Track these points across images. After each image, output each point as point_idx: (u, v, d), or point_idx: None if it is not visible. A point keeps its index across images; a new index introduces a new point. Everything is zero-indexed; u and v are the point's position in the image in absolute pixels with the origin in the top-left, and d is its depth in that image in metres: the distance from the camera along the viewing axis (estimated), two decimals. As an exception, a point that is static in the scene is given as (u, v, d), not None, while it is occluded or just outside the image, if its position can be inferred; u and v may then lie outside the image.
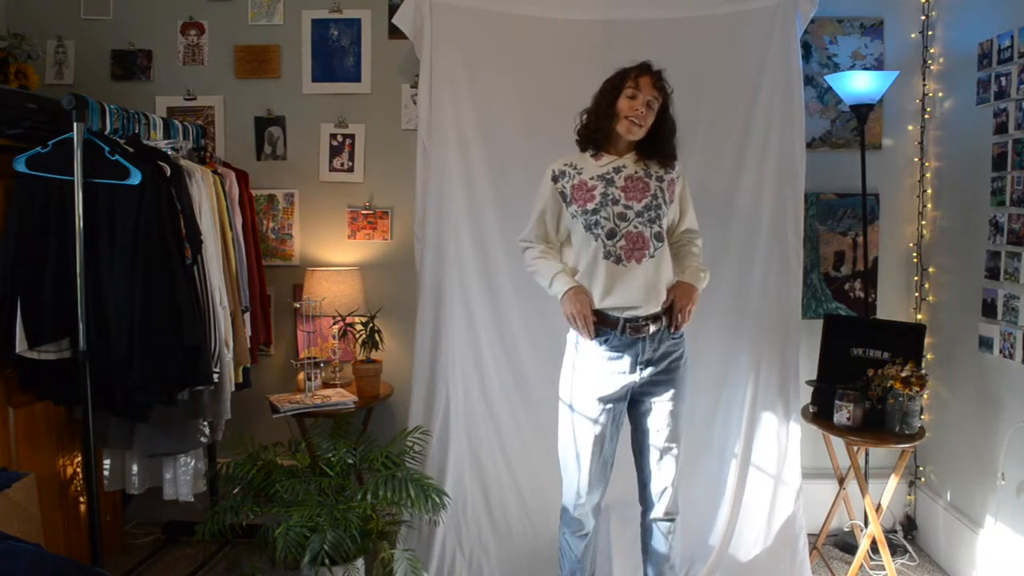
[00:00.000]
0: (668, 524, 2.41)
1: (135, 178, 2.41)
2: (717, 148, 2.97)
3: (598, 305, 2.25)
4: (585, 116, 2.35)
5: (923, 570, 3.03)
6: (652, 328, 2.26)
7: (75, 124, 2.32)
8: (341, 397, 3.00)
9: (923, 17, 3.21)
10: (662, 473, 2.37)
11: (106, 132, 2.51)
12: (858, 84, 2.95)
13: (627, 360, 2.26)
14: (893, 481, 2.73)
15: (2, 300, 2.40)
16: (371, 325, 3.10)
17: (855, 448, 2.78)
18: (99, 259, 2.42)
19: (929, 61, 3.21)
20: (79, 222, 2.33)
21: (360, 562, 2.51)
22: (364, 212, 3.37)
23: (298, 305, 3.20)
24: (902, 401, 2.64)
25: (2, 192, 2.50)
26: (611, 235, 2.24)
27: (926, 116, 3.24)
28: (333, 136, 3.37)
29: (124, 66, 3.39)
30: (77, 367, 2.40)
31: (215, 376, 2.64)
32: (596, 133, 2.31)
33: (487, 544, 2.94)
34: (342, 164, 3.38)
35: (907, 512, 3.32)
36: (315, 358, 3.10)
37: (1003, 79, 2.65)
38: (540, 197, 2.37)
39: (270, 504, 2.52)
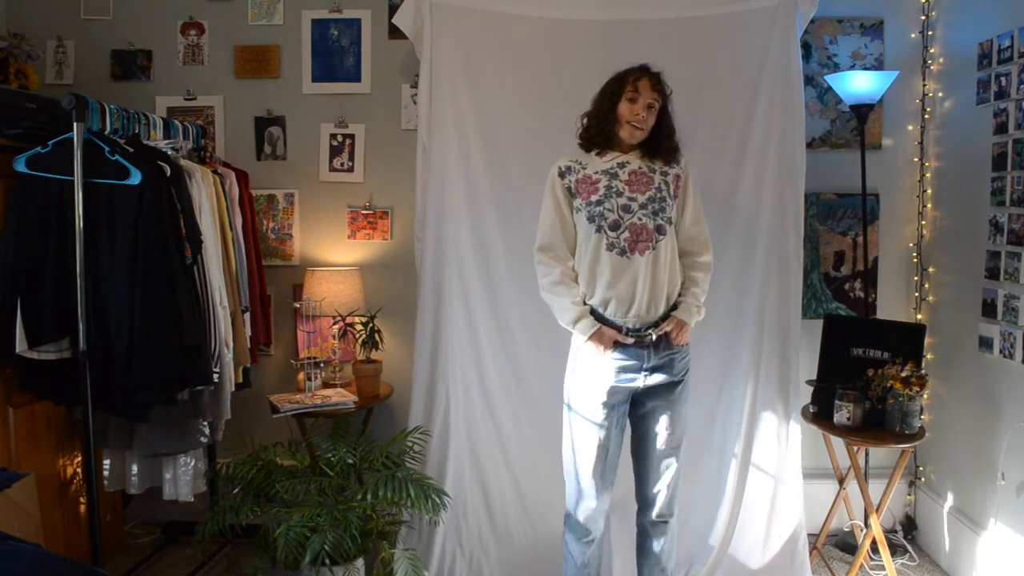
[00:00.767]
0: (662, 526, 2.41)
1: (135, 178, 2.41)
2: (717, 148, 2.97)
3: (597, 300, 2.27)
4: (586, 120, 2.36)
5: (923, 570, 3.03)
6: (655, 336, 2.26)
7: (75, 124, 2.32)
8: (341, 397, 3.00)
9: (923, 17, 3.21)
10: (660, 476, 2.37)
11: (106, 132, 2.51)
12: (858, 84, 2.95)
13: (632, 364, 2.27)
14: (893, 481, 2.73)
15: (2, 300, 2.40)
16: (371, 325, 3.10)
17: (855, 448, 2.78)
18: (99, 259, 2.42)
19: (929, 61, 3.21)
20: (79, 222, 2.32)
21: (360, 562, 2.51)
22: (364, 212, 3.37)
23: (298, 305, 3.20)
24: (902, 401, 2.64)
25: (2, 192, 2.49)
26: (615, 227, 2.24)
27: (926, 116, 3.24)
28: (333, 136, 3.37)
29: (124, 66, 3.39)
30: (77, 367, 2.39)
31: (215, 376, 2.64)
32: (598, 136, 2.32)
33: (487, 544, 2.94)
34: (342, 164, 3.38)
35: (907, 512, 3.32)
36: (315, 358, 3.10)
37: (1003, 79, 2.65)
38: (549, 196, 2.36)
39: (270, 504, 2.52)
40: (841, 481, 3.02)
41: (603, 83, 2.34)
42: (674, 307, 2.31)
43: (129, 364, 2.40)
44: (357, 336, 3.11)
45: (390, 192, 3.36)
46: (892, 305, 3.32)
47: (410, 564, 2.46)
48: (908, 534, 3.27)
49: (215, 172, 2.89)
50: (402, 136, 3.32)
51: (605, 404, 2.28)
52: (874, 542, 2.79)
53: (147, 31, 3.37)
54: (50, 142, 2.43)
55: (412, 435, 2.75)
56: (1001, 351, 2.67)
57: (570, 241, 2.34)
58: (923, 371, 2.74)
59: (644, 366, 2.27)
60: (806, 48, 3.23)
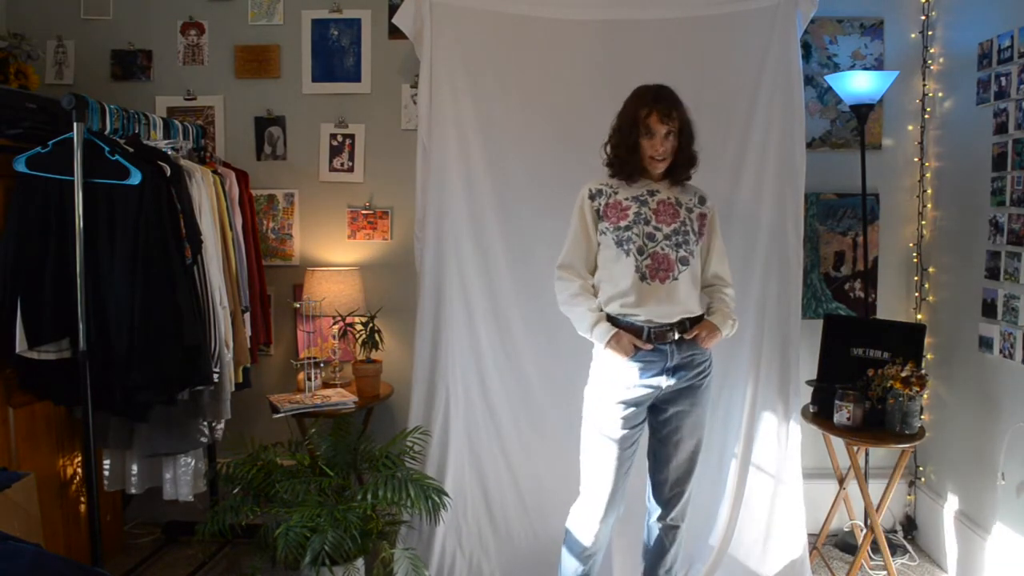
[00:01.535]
0: (674, 531, 2.43)
1: (135, 178, 2.41)
2: (717, 148, 2.95)
3: (615, 307, 2.28)
4: (610, 149, 2.35)
5: (923, 570, 3.03)
6: (676, 335, 2.27)
7: (75, 124, 2.32)
8: (341, 397, 3.00)
9: (923, 17, 3.21)
10: (676, 481, 2.38)
11: (106, 132, 2.51)
12: (858, 84, 2.95)
13: (655, 366, 2.26)
14: (893, 481, 2.73)
15: (2, 300, 2.40)
16: (371, 325, 3.10)
17: (855, 448, 2.78)
18: (99, 259, 2.42)
19: (929, 61, 3.21)
20: (79, 222, 2.32)
21: (360, 562, 2.51)
22: (364, 212, 3.37)
23: (298, 305, 3.20)
24: (902, 401, 2.64)
25: (2, 192, 2.49)
26: (639, 252, 2.26)
27: (926, 116, 3.24)
28: (333, 136, 3.37)
29: (124, 66, 3.39)
30: (77, 367, 2.39)
31: (215, 376, 2.64)
32: (627, 166, 2.31)
33: (487, 544, 2.94)
34: (342, 164, 3.38)
35: (907, 512, 3.32)
36: (315, 358, 3.10)
37: (1003, 79, 2.65)
38: (577, 216, 2.36)
39: (270, 504, 2.52)
40: (841, 481, 3.02)
41: (610, 93, 2.34)
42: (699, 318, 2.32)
43: (129, 364, 2.40)
44: (357, 336, 3.11)
45: (390, 192, 3.36)
46: (892, 305, 3.32)
47: (410, 564, 2.46)
48: (908, 534, 3.27)
49: (215, 172, 2.89)
50: (402, 136, 3.32)
51: (626, 420, 2.27)
52: (874, 542, 2.79)
53: (147, 31, 3.37)
54: (50, 142, 2.43)
55: (412, 435, 2.75)
56: (1001, 351, 2.67)
57: (591, 261, 2.37)
58: (923, 371, 2.74)
59: (667, 365, 2.26)
60: (806, 48, 3.23)
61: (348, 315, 3.10)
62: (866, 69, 3.20)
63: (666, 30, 2.95)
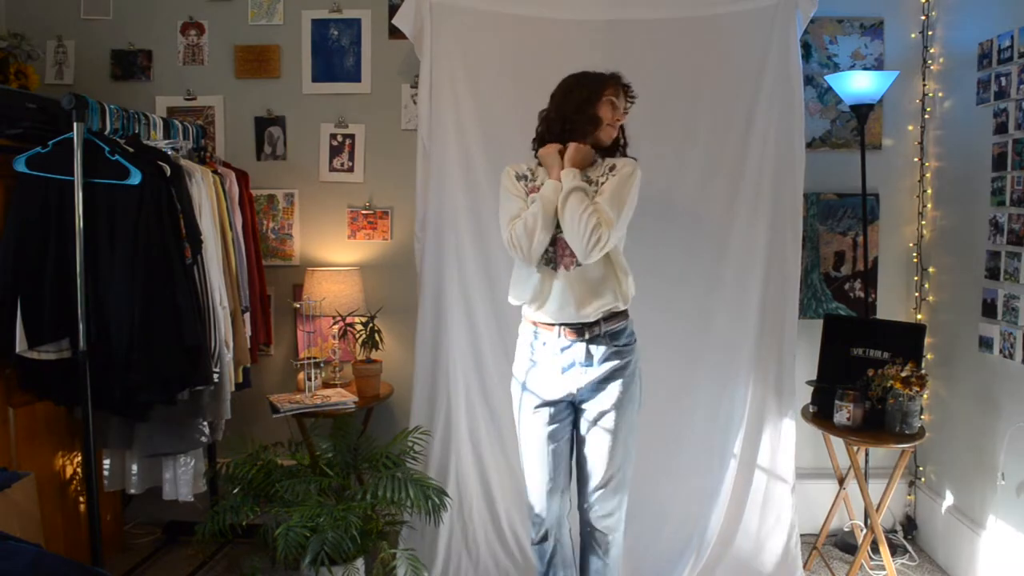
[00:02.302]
0: (603, 537, 2.31)
1: (135, 178, 2.41)
2: (717, 148, 2.97)
3: (532, 315, 2.25)
4: (551, 117, 2.28)
5: (923, 570, 3.03)
6: (588, 333, 2.20)
7: (75, 124, 2.32)
8: (341, 397, 3.00)
9: (923, 17, 3.21)
10: (597, 495, 2.27)
11: (106, 132, 2.51)
12: (858, 84, 2.95)
13: (568, 362, 2.22)
14: (893, 481, 2.73)
15: (2, 300, 2.40)
16: (371, 325, 3.10)
17: (855, 448, 2.78)
18: (99, 259, 2.42)
19: (929, 61, 3.21)
20: (79, 222, 2.32)
21: (360, 562, 2.51)
22: (364, 212, 3.37)
23: (298, 305, 3.20)
24: (902, 401, 2.64)
25: (2, 192, 2.49)
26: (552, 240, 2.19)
27: (926, 116, 3.24)
28: (333, 136, 3.37)
29: (124, 66, 3.39)
30: (77, 367, 2.39)
31: (215, 376, 2.64)
32: (566, 135, 2.23)
33: (492, 546, 2.94)
34: (342, 164, 3.38)
35: (907, 512, 3.32)
36: (315, 358, 3.10)
37: (1003, 79, 2.65)
38: (509, 193, 2.25)
39: (270, 504, 2.52)
40: (841, 481, 3.02)
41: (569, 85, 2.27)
42: (613, 319, 2.22)
43: (129, 364, 2.40)
44: (357, 336, 3.11)
45: (390, 192, 3.36)
46: (892, 305, 3.32)
47: (410, 564, 2.46)
48: (908, 534, 3.27)
49: (215, 172, 2.89)
50: (402, 136, 3.32)
51: (546, 403, 2.29)
52: (874, 542, 2.79)
53: (147, 31, 3.37)
54: (50, 142, 2.43)
55: (412, 435, 2.75)
56: (1001, 351, 2.67)
57: None
58: (923, 371, 2.74)
59: (580, 363, 2.22)
60: (806, 48, 3.23)
61: (348, 315, 3.10)
62: (866, 69, 3.20)
63: (666, 30, 2.95)
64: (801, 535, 2.94)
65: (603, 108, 2.22)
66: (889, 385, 2.67)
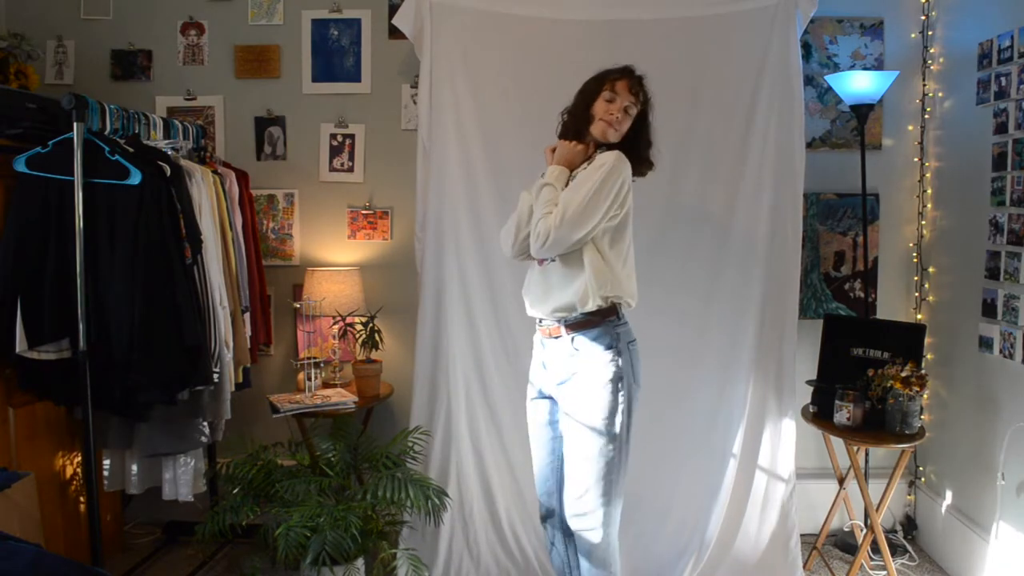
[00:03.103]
0: (577, 534, 2.25)
1: (135, 178, 2.41)
2: (717, 148, 2.97)
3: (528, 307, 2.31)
4: (565, 117, 2.30)
5: (923, 570, 3.03)
6: (546, 331, 2.23)
7: (75, 124, 2.32)
8: (341, 397, 3.00)
9: (923, 17, 3.21)
10: (566, 492, 2.22)
11: (106, 132, 2.51)
12: (858, 84, 2.95)
13: (541, 359, 2.29)
14: (893, 481, 2.73)
15: (2, 300, 2.39)
16: (371, 325, 3.10)
17: (855, 448, 2.78)
18: (99, 259, 2.42)
19: (929, 61, 3.21)
20: (79, 222, 2.32)
21: (360, 562, 2.51)
22: (364, 212, 3.37)
23: (298, 305, 3.20)
24: (902, 401, 2.64)
25: (2, 192, 2.49)
26: None
27: (926, 116, 3.24)
28: (333, 136, 3.37)
29: (124, 66, 3.39)
30: (77, 367, 2.39)
31: (215, 376, 2.64)
32: (571, 135, 2.25)
33: (493, 546, 2.94)
34: (342, 164, 3.38)
35: (907, 512, 3.32)
36: (315, 358, 3.10)
37: (1003, 79, 2.65)
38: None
39: (270, 504, 2.53)
40: (841, 481, 3.02)
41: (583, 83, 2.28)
42: (573, 323, 2.16)
43: (129, 364, 2.40)
44: (357, 336, 3.11)
45: (390, 192, 3.36)
46: (892, 305, 3.32)
47: (411, 564, 2.46)
48: (908, 534, 3.27)
49: (215, 172, 2.89)
50: (402, 136, 3.32)
51: (534, 399, 2.35)
52: (874, 542, 2.79)
53: (147, 31, 3.37)
54: (50, 142, 2.43)
55: (412, 435, 2.75)
56: (1001, 351, 2.67)
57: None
58: (923, 371, 2.74)
59: (546, 362, 2.27)
60: (806, 48, 3.23)
61: (348, 315, 3.10)
62: (866, 69, 3.20)
63: (666, 30, 2.95)
64: (801, 535, 2.94)
65: (597, 104, 2.20)
66: (889, 385, 2.67)
